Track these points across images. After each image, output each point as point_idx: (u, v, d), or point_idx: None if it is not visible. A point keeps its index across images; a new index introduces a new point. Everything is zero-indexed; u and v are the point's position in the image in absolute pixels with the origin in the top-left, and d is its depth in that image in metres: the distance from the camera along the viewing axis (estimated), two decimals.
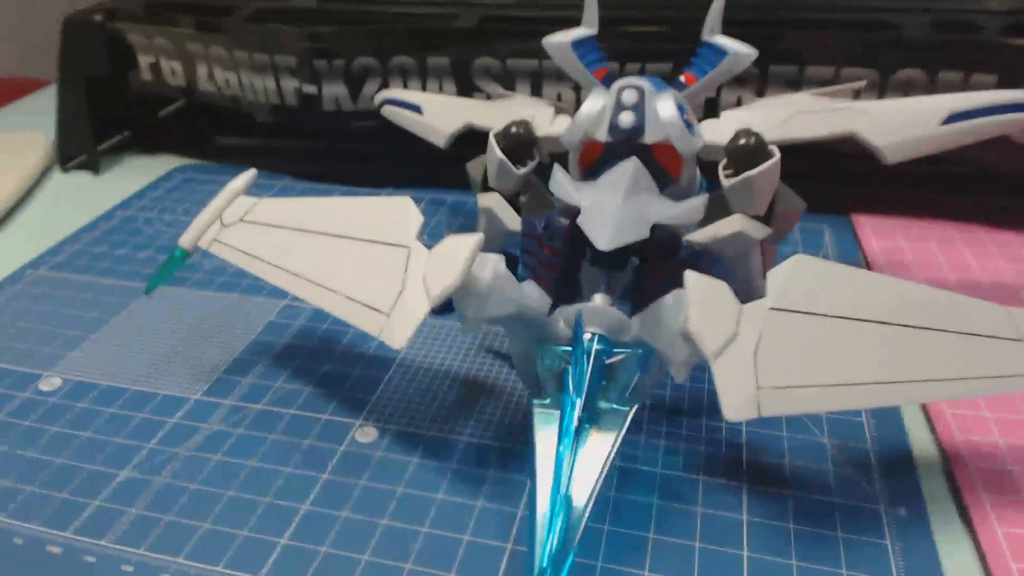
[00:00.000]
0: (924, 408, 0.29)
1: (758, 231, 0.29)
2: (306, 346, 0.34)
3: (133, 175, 0.53)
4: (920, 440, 0.28)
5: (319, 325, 0.36)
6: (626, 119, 0.28)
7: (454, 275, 0.23)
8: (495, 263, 0.25)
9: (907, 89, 0.39)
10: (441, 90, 0.44)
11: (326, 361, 0.33)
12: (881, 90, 0.39)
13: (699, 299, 0.22)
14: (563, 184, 0.27)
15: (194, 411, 0.31)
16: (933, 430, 0.28)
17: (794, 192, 0.31)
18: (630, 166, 0.27)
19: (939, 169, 0.44)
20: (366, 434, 0.29)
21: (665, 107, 0.28)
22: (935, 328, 0.23)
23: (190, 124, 0.58)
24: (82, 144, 0.54)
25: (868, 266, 0.39)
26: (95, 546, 0.25)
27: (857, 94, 0.38)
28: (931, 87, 0.39)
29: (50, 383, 0.33)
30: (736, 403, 0.21)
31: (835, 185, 0.45)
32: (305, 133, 0.49)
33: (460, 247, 0.24)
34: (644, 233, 0.25)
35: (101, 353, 0.35)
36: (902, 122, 0.29)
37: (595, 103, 0.29)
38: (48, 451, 0.29)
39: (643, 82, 0.28)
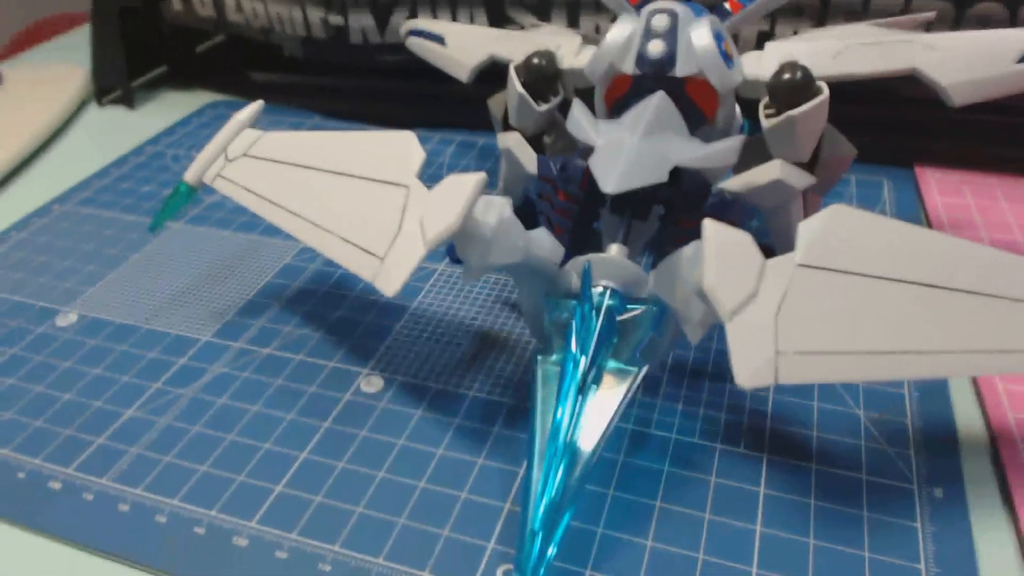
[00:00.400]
0: (975, 383, 0.27)
1: (800, 180, 0.26)
2: (319, 291, 0.33)
3: (167, 110, 0.53)
4: (967, 417, 0.26)
5: (334, 270, 0.35)
6: (655, 48, 0.25)
7: (452, 217, 0.21)
8: (501, 207, 0.23)
9: (984, 25, 0.35)
10: (472, 21, 0.41)
11: (338, 307, 0.32)
12: (955, 25, 0.35)
13: (716, 252, 0.20)
14: (580, 121, 0.25)
15: (203, 352, 0.30)
16: (983, 407, 0.26)
17: (844, 137, 0.28)
18: (654, 100, 0.24)
19: (1016, 121, 0.40)
20: (372, 384, 0.28)
21: (700, 35, 0.25)
22: (987, 293, 0.20)
23: (225, 60, 0.57)
24: (116, 78, 0.53)
25: (928, 223, 0.36)
26: (94, 484, 0.25)
27: (927, 28, 0.34)
28: (1013, 23, 0.34)
29: (66, 319, 0.33)
30: (750, 368, 0.19)
31: (898, 134, 0.41)
32: (335, 69, 0.48)
33: (461, 188, 0.22)
34: (661, 176, 0.23)
35: (118, 290, 0.34)
36: (972, 59, 0.26)
37: (622, 30, 0.26)
38: (57, 387, 0.29)
39: (677, 6, 0.26)
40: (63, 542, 0.23)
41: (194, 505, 0.24)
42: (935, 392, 0.26)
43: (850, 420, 0.25)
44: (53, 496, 0.25)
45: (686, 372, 0.28)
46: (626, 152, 0.23)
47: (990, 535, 0.22)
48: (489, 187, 0.23)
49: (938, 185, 0.38)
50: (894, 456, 0.24)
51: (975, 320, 0.20)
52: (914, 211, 0.37)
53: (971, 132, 0.40)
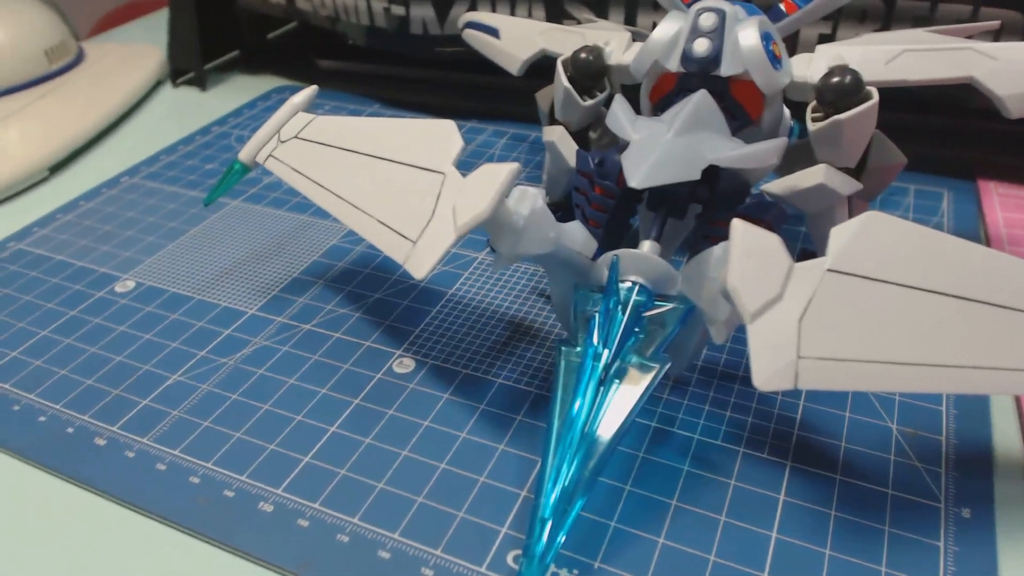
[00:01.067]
0: (1018, 405, 0.26)
1: (845, 186, 0.26)
2: (362, 272, 0.34)
3: (236, 93, 0.55)
4: (1006, 438, 0.25)
5: (377, 253, 0.35)
6: (701, 47, 0.25)
7: (483, 205, 0.22)
8: (534, 197, 0.23)
9: None
10: (530, 15, 0.42)
11: (378, 289, 0.33)
12: (1023, 36, 0.34)
13: (743, 252, 0.20)
14: (619, 117, 0.25)
15: (247, 324, 0.32)
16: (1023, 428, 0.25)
17: (894, 145, 0.27)
18: (694, 98, 0.24)
19: None
20: (404, 365, 0.29)
21: (747, 35, 0.25)
22: None
23: (294, 47, 0.59)
24: (190, 60, 0.55)
25: (987, 238, 0.34)
26: (136, 442, 0.26)
27: (996, 38, 0.33)
28: None
29: (124, 285, 0.34)
30: (769, 371, 0.19)
31: (963, 145, 0.40)
32: (396, 58, 0.49)
33: (494, 176, 0.22)
34: (693, 174, 0.23)
35: (175, 261, 0.36)
36: None
37: (670, 27, 0.26)
38: (110, 349, 0.31)
39: (726, 5, 0.25)
40: (103, 495, 0.25)
41: (226, 469, 0.25)
42: (975, 411, 0.26)
43: (882, 433, 0.25)
44: (98, 451, 0.26)
45: (716, 374, 0.28)
46: (659, 148, 0.23)
47: (1016, 560, 0.21)
48: (536, 181, 0.23)
49: (1000, 200, 0.36)
50: (924, 473, 0.23)
51: (1013, 337, 0.19)
52: (973, 225, 0.35)
53: None
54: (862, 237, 0.20)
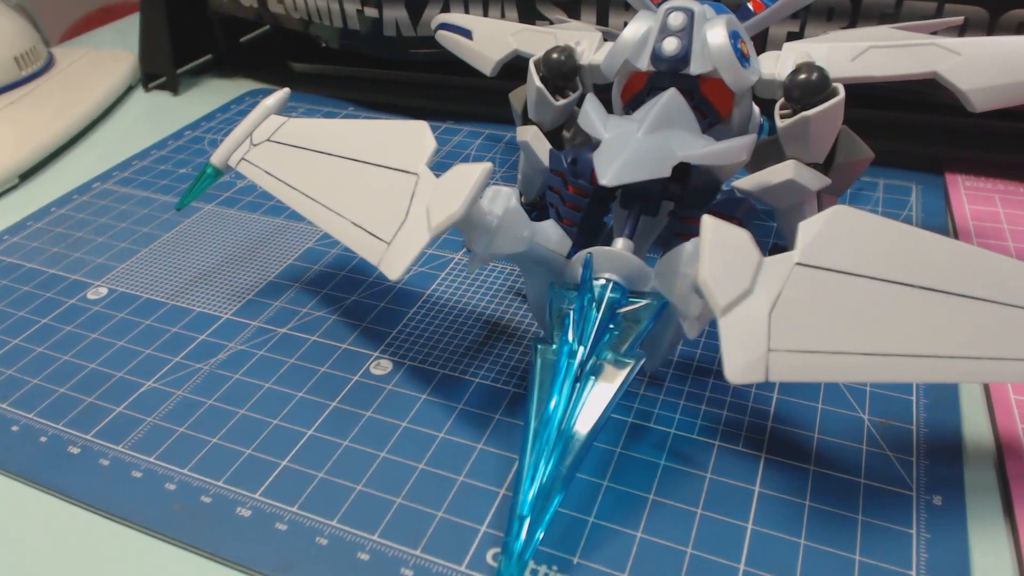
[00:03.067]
0: (987, 393, 0.26)
1: (813, 181, 0.26)
2: (338, 275, 0.34)
3: (210, 97, 0.54)
4: (975, 427, 0.25)
5: (353, 255, 0.35)
6: (670, 46, 0.25)
7: (456, 206, 0.22)
8: (507, 197, 0.23)
9: (1019, 31, 0.34)
10: (503, 16, 0.42)
11: (354, 291, 0.33)
12: (988, 31, 0.34)
13: (713, 247, 0.20)
14: (590, 116, 0.25)
15: (222, 329, 0.31)
16: (992, 417, 0.25)
17: (861, 140, 0.27)
18: (664, 97, 0.24)
19: None
20: (381, 367, 0.29)
21: (715, 34, 0.25)
22: (993, 300, 0.20)
23: (268, 50, 0.59)
24: (163, 65, 0.55)
25: (955, 230, 0.35)
26: (111, 449, 0.26)
27: (961, 34, 0.34)
28: None
29: (97, 292, 0.34)
30: (741, 364, 0.19)
31: (931, 140, 0.41)
32: (370, 60, 0.49)
33: (467, 177, 0.22)
34: (663, 171, 0.23)
35: (148, 267, 0.36)
36: (995, 65, 0.25)
37: (639, 27, 0.26)
38: (83, 356, 0.30)
39: (694, 4, 0.26)
40: (78, 504, 0.25)
41: (203, 475, 0.25)
42: (944, 400, 0.26)
43: (854, 424, 0.25)
44: (72, 460, 0.26)
45: (691, 369, 0.28)
46: (630, 146, 0.23)
47: (987, 545, 0.22)
48: (512, 181, 0.23)
49: (968, 193, 0.37)
50: (895, 461, 0.24)
51: (978, 327, 0.20)
52: (941, 218, 0.36)
53: (1005, 140, 0.40)
54: (829, 231, 0.20)
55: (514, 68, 0.34)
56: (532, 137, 0.30)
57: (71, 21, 1.24)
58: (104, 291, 0.34)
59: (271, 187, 0.28)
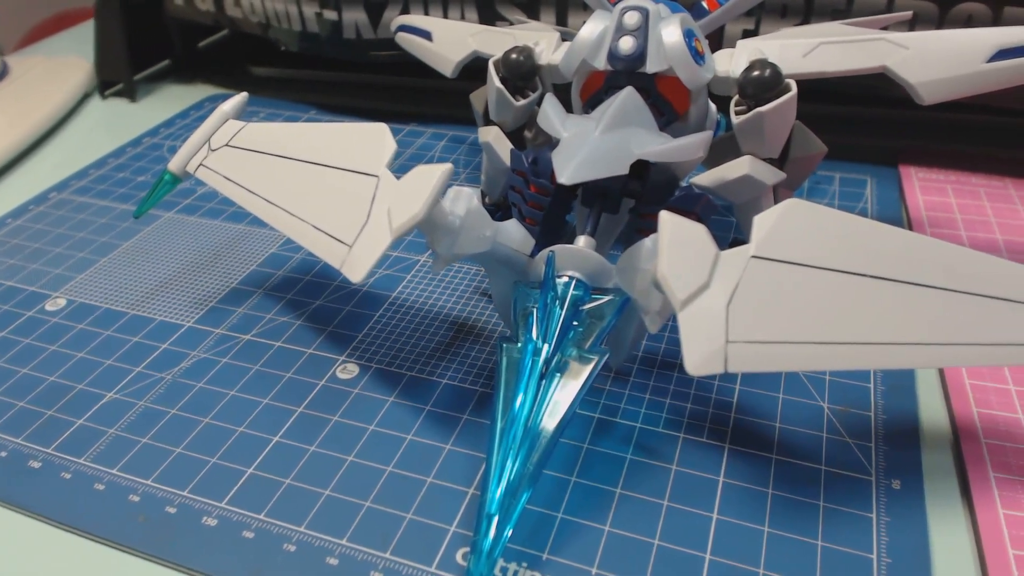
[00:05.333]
0: (943, 379, 0.27)
1: (769, 175, 0.27)
2: (302, 279, 0.34)
3: (168, 103, 0.54)
4: (932, 412, 0.26)
5: (318, 259, 0.35)
6: (626, 45, 0.26)
7: (417, 207, 0.22)
8: (469, 197, 0.24)
9: (968, 25, 0.35)
10: (463, 17, 0.42)
11: (319, 295, 0.33)
12: (938, 25, 0.35)
13: (670, 242, 0.20)
14: (549, 115, 0.25)
15: (184, 338, 0.31)
16: (948, 402, 0.26)
17: (814, 135, 0.28)
18: (621, 95, 0.25)
19: (1002, 120, 0.40)
20: (347, 371, 0.29)
21: (670, 32, 0.26)
22: (942, 287, 0.20)
23: (227, 55, 0.58)
24: (119, 71, 0.54)
25: (908, 221, 0.36)
26: (72, 463, 0.26)
27: (912, 28, 0.35)
28: (996, 23, 0.35)
29: (55, 303, 0.34)
30: (699, 356, 0.19)
31: (885, 133, 0.42)
32: (331, 64, 0.48)
33: (427, 178, 0.22)
34: (621, 169, 0.23)
35: (108, 277, 0.35)
36: (942, 58, 0.26)
37: (595, 26, 0.26)
38: (42, 369, 0.30)
39: (649, 3, 0.26)
40: (40, 519, 0.24)
41: (167, 486, 0.25)
42: (902, 387, 0.27)
43: (814, 412, 0.26)
44: (33, 474, 0.25)
45: (656, 363, 0.28)
46: (587, 145, 0.23)
47: (946, 527, 0.22)
48: (477, 182, 0.23)
49: (921, 184, 0.38)
50: (855, 448, 0.24)
51: (929, 314, 0.20)
52: (895, 209, 0.37)
53: (957, 132, 0.41)
54: (783, 224, 0.21)
55: (476, 69, 0.34)
56: (494, 138, 0.30)
57: (26, 29, 1.21)
58: (63, 302, 0.34)
59: (231, 192, 0.28)
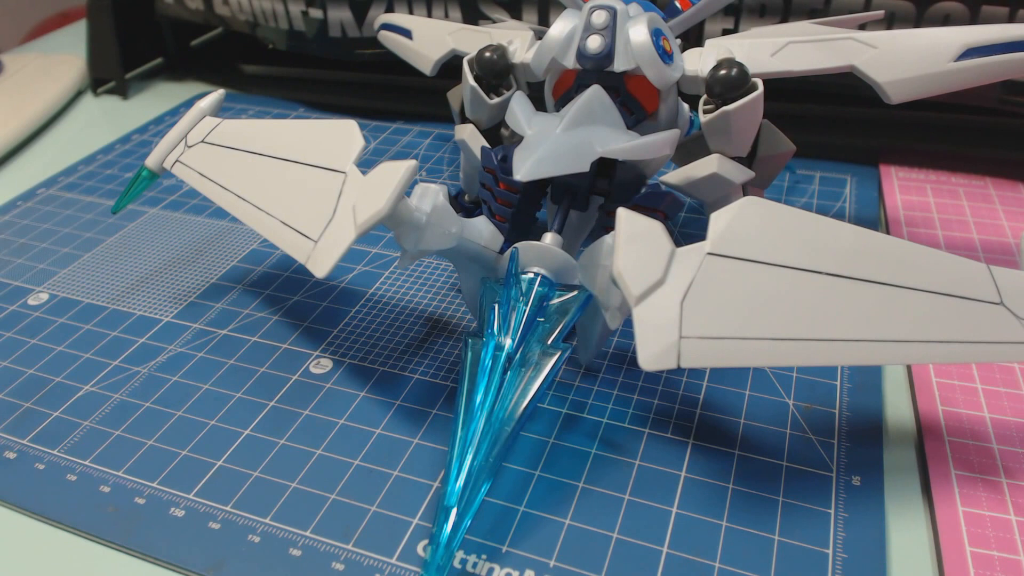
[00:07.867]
0: (910, 377, 0.27)
1: (737, 174, 0.27)
2: (281, 275, 0.34)
3: (159, 100, 0.54)
4: (897, 410, 0.26)
5: None
6: (594, 43, 0.26)
7: (381, 203, 0.22)
8: (435, 194, 0.24)
9: (945, 24, 0.35)
10: (447, 16, 0.42)
11: (297, 291, 0.33)
12: (916, 24, 0.35)
13: (627, 239, 0.20)
14: (516, 113, 0.26)
15: (162, 332, 0.31)
16: (914, 400, 0.26)
17: (783, 134, 0.28)
18: (585, 93, 0.25)
19: (981, 120, 0.40)
20: (321, 365, 0.29)
21: (638, 31, 0.26)
22: (897, 284, 0.21)
23: (219, 53, 0.59)
24: (111, 69, 0.54)
25: (886, 221, 0.36)
26: (46, 454, 0.26)
27: (889, 27, 0.35)
28: (973, 22, 0.35)
29: (38, 298, 0.34)
30: (652, 351, 0.19)
31: (865, 133, 0.42)
32: (319, 62, 0.49)
33: (392, 174, 0.23)
34: (581, 166, 0.23)
35: (90, 272, 0.35)
36: (909, 57, 0.26)
37: (565, 25, 0.27)
38: (21, 362, 0.30)
39: (617, 2, 0.26)
40: (13, 508, 0.24)
41: (137, 477, 0.25)
42: (868, 385, 0.27)
43: (779, 409, 0.26)
44: (7, 465, 0.26)
45: (625, 360, 0.28)
46: (546, 142, 0.24)
47: (904, 523, 0.22)
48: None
49: (901, 183, 0.38)
50: (817, 444, 0.25)
51: (879, 310, 0.20)
52: (874, 209, 0.37)
53: (938, 131, 0.41)
54: (739, 221, 0.21)
55: (458, 67, 0.35)
56: (469, 135, 0.30)
57: (29, 27, 1.22)
58: (45, 296, 0.34)
59: (205, 189, 0.28)
